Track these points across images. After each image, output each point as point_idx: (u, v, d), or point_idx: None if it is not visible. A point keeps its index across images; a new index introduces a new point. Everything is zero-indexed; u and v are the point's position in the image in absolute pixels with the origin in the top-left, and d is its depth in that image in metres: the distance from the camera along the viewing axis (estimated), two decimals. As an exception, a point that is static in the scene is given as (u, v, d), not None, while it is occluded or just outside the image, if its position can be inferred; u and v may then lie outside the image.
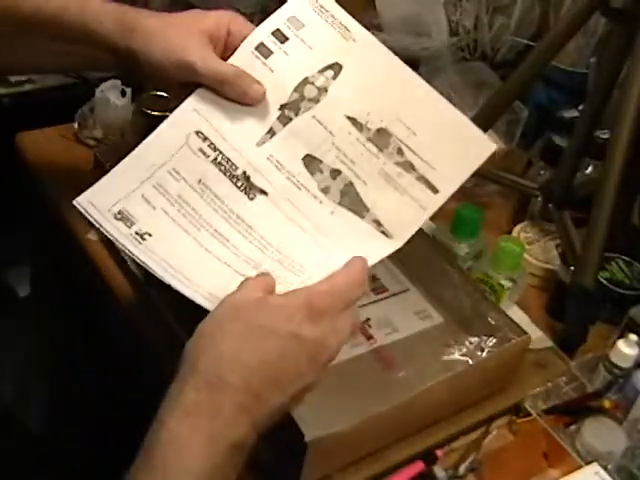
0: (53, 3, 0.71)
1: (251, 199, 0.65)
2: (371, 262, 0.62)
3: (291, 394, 0.55)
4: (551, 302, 0.92)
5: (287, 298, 0.57)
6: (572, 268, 0.87)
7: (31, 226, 1.10)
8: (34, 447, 1.03)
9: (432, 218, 0.68)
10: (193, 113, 0.67)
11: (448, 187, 0.66)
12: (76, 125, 1.01)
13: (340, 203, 0.66)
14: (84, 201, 0.63)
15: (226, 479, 0.52)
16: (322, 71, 0.69)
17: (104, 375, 0.97)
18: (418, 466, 0.71)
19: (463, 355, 0.74)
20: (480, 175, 0.84)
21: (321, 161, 0.67)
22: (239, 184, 0.65)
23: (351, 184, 0.66)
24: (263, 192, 0.65)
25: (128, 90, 1.00)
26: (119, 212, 0.63)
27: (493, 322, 0.77)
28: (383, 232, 0.65)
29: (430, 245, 0.84)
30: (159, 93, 0.99)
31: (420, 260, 0.80)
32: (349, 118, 0.68)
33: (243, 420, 0.52)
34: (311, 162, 0.66)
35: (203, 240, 0.62)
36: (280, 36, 0.70)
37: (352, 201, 0.66)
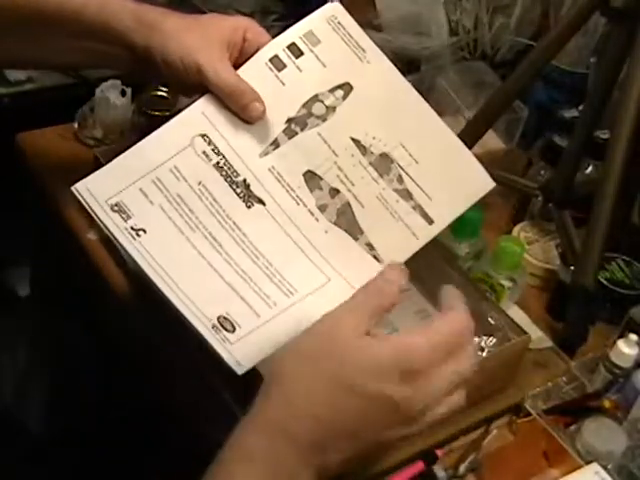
0: (75, 1, 0.72)
1: (248, 207, 0.65)
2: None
3: (367, 443, 0.51)
4: (551, 302, 0.92)
5: (381, 348, 0.52)
6: (572, 268, 0.87)
7: (31, 226, 1.10)
8: (34, 447, 1.03)
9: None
10: (201, 116, 0.67)
11: (443, 219, 0.67)
12: (76, 125, 1.01)
13: (335, 222, 0.66)
14: (82, 188, 0.63)
15: None
16: (332, 90, 0.69)
17: (104, 375, 0.97)
18: (418, 466, 0.71)
19: (463, 355, 0.73)
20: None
21: (321, 178, 0.67)
22: (238, 191, 0.65)
23: (348, 205, 0.66)
24: (261, 202, 0.65)
25: (128, 90, 1.00)
26: (116, 204, 0.63)
27: (493, 322, 0.77)
28: (374, 256, 0.65)
29: (430, 245, 0.84)
30: (159, 93, 0.99)
31: (420, 260, 0.80)
32: (354, 140, 0.68)
33: (305, 472, 0.50)
34: (311, 178, 0.67)
35: (196, 242, 0.62)
36: (295, 50, 0.70)
37: (347, 222, 0.66)
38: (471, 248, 0.89)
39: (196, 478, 0.51)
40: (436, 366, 0.52)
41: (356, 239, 0.65)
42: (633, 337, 0.80)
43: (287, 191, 0.66)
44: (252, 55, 0.70)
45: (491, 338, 0.75)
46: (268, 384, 0.52)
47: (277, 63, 0.69)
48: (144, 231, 0.62)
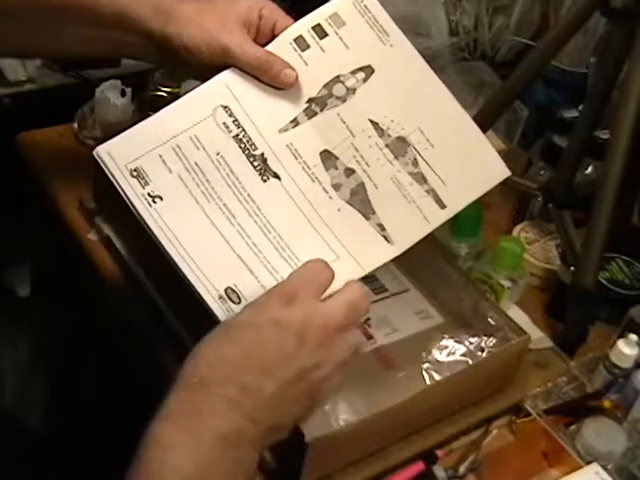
0: None
1: (264, 181, 0.65)
2: (370, 267, 0.64)
3: (288, 379, 0.54)
4: (551, 302, 0.92)
5: (260, 296, 0.58)
6: (572, 268, 0.87)
7: (31, 226, 1.10)
8: (34, 447, 1.03)
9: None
10: (224, 87, 0.68)
11: (455, 205, 0.68)
12: (76, 125, 1.01)
13: (349, 202, 0.67)
14: (103, 151, 0.64)
15: (227, 472, 0.52)
16: (354, 72, 0.70)
17: (104, 375, 0.97)
18: (418, 466, 0.71)
19: (463, 355, 0.74)
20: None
21: (337, 158, 0.68)
22: (255, 164, 0.66)
23: (362, 185, 0.67)
24: (277, 176, 0.66)
25: (128, 90, 1.00)
26: (135, 169, 0.63)
27: (493, 322, 0.77)
28: (385, 237, 0.66)
29: (430, 245, 0.84)
30: (159, 93, 0.99)
31: (420, 260, 0.80)
32: (372, 122, 0.69)
33: (232, 412, 0.52)
34: (328, 157, 0.67)
35: (210, 212, 0.63)
36: (320, 31, 0.71)
37: (360, 202, 0.67)
38: (471, 248, 0.89)
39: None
40: (311, 293, 0.57)
41: (368, 219, 0.66)
42: (633, 337, 0.80)
43: (303, 168, 0.67)
44: (270, 32, 0.71)
45: (491, 338, 0.75)
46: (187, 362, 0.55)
47: (301, 43, 0.70)
48: (160, 198, 0.63)
